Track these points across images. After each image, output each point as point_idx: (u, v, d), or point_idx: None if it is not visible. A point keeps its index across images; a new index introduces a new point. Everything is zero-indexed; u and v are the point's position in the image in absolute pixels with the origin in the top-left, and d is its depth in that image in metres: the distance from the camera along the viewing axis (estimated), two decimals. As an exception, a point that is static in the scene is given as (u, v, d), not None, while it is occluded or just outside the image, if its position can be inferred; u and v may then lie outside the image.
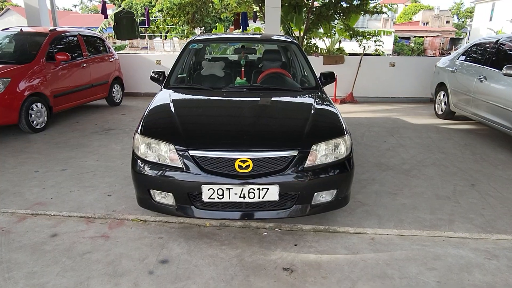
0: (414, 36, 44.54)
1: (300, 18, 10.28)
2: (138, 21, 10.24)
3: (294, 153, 2.57)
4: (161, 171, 2.60)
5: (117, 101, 7.95)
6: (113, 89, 7.78)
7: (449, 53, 38.15)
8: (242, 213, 2.60)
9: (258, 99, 3.34)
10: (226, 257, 2.65)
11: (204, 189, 2.50)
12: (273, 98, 3.39)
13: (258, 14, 9.35)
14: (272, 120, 3.01)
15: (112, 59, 7.77)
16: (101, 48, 7.59)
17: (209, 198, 2.53)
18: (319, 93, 3.54)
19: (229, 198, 2.52)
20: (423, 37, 44.06)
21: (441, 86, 7.12)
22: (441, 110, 7.10)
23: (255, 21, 9.86)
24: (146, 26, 9.55)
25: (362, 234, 2.98)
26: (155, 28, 9.34)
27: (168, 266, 2.55)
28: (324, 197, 2.69)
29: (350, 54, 10.84)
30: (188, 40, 4.22)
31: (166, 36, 40.37)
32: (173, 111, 2.97)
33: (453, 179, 4.03)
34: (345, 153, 2.75)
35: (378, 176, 4.09)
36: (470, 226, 3.06)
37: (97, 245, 2.77)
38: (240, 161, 2.50)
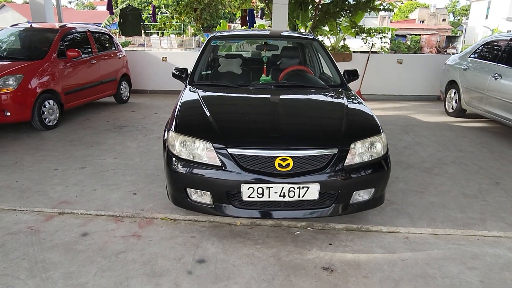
0: (411, 34, 44.64)
1: (306, 15, 10.24)
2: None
3: (334, 151, 2.54)
4: (198, 170, 2.56)
5: (124, 98, 7.87)
6: (121, 86, 7.70)
7: (446, 51, 38.32)
8: (281, 212, 2.56)
9: (288, 96, 3.31)
10: (263, 257, 2.62)
11: (244, 188, 2.46)
12: (302, 96, 3.35)
13: (265, 11, 9.30)
14: (307, 118, 2.98)
15: (120, 56, 7.69)
16: (110, 44, 7.50)
17: (249, 197, 2.49)
18: (347, 91, 3.51)
19: (269, 197, 2.49)
20: (419, 35, 44.18)
21: (452, 84, 7.12)
22: (452, 108, 7.10)
23: (262, 18, 9.81)
24: (153, 23, 9.44)
25: (396, 233, 2.96)
26: (162, 25, 9.24)
27: (206, 265, 2.51)
28: (362, 195, 2.67)
29: (354, 52, 10.83)
30: (210, 36, 4.17)
31: (163, 33, 40.14)
32: (206, 109, 2.92)
33: (477, 178, 4.02)
34: (383, 152, 2.73)
35: (401, 175, 4.08)
36: (503, 224, 3.05)
37: (130, 245, 2.73)
38: (280, 159, 2.46)
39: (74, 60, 6.12)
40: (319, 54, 4.30)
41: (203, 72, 3.93)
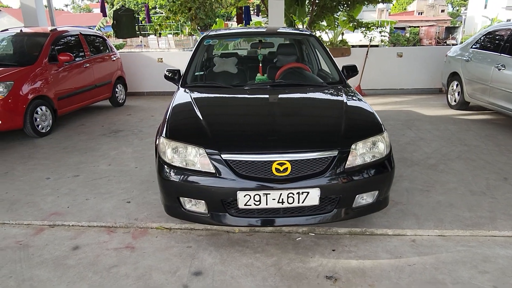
0: (409, 26, 44.32)
1: (303, 10, 10.06)
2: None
3: (334, 153, 2.40)
4: (191, 177, 2.42)
5: (120, 101, 7.73)
6: (116, 89, 7.56)
7: (445, 42, 38.10)
8: (281, 219, 2.42)
9: (284, 96, 3.16)
10: (263, 266, 2.49)
11: (240, 195, 2.32)
12: (299, 95, 3.21)
13: (261, 7, 9.13)
14: (305, 118, 2.83)
15: (114, 58, 7.55)
16: (103, 47, 7.36)
17: (245, 204, 2.35)
18: (346, 88, 3.36)
19: (267, 204, 2.35)
20: (418, 27, 43.85)
21: (454, 76, 6.95)
22: (455, 101, 6.93)
23: (258, 15, 9.65)
24: (147, 24, 9.27)
25: (402, 236, 2.82)
26: (157, 26, 9.07)
27: (203, 278, 2.38)
28: (365, 199, 2.53)
29: (353, 46, 10.66)
30: (202, 35, 4.02)
31: (160, 34, 39.98)
32: (198, 112, 2.78)
33: (483, 173, 3.87)
34: (385, 152, 2.58)
35: (405, 172, 3.93)
36: (514, 223, 2.91)
37: (123, 258, 2.60)
38: (277, 164, 2.32)
39: (67, 65, 5.98)
40: (316, 50, 4.15)
41: (196, 73, 3.78)
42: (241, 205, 2.36)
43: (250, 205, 2.35)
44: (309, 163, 2.36)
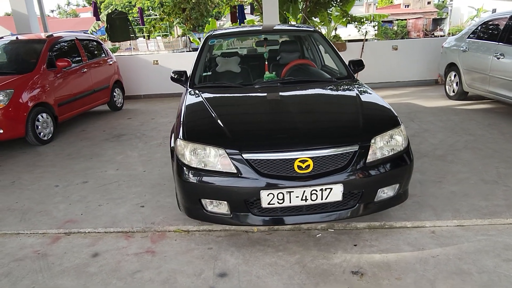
0: (397, 19, 44.54)
1: (296, 7, 10.08)
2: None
3: (354, 148, 2.40)
4: (213, 178, 2.40)
5: (119, 105, 7.66)
6: (114, 93, 7.49)
7: (433, 34, 38.33)
8: (304, 217, 2.41)
9: (297, 93, 3.15)
10: (287, 265, 2.48)
11: (263, 194, 2.31)
12: (312, 91, 3.20)
13: (255, 6, 9.11)
14: (322, 114, 2.83)
15: (111, 62, 7.48)
16: (99, 51, 7.29)
17: (269, 203, 2.34)
18: (356, 83, 3.36)
19: (290, 202, 2.34)
20: (405, 19, 44.10)
21: (451, 67, 7.00)
22: (453, 91, 6.98)
23: (252, 13, 9.63)
24: (141, 26, 9.15)
25: (421, 227, 2.83)
26: (151, 28, 8.93)
27: (229, 279, 2.36)
28: (386, 192, 2.53)
29: (348, 41, 10.69)
30: (207, 35, 3.99)
31: (149, 36, 39.76)
32: (213, 112, 2.76)
33: (492, 162, 3.90)
34: (404, 144, 2.59)
35: (415, 164, 3.90)
36: (531, 210, 2.93)
37: (145, 262, 2.57)
38: (299, 161, 2.31)
39: (65, 70, 5.91)
40: (319, 46, 4.14)
41: (203, 74, 3.76)
42: (264, 204, 2.34)
43: (274, 203, 2.34)
44: (330, 159, 2.36)
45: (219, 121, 2.63)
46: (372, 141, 2.46)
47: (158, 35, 39.39)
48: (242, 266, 2.49)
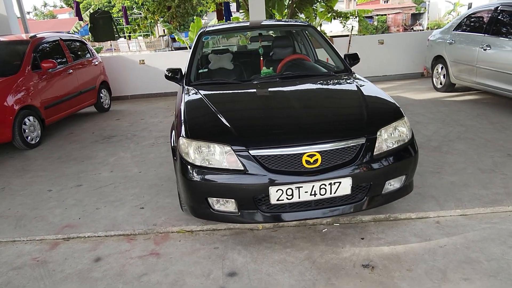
0: (377, 15, 45.06)
1: (282, 3, 10.06)
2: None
3: (361, 141, 2.38)
4: (219, 176, 2.35)
5: (106, 106, 7.50)
6: (101, 94, 7.33)
7: (412, 29, 38.95)
8: (313, 212, 2.39)
9: (298, 87, 3.12)
10: (296, 261, 2.45)
11: (272, 190, 2.28)
12: (312, 86, 3.17)
13: (240, 3, 9.05)
14: (326, 108, 2.81)
15: (97, 62, 7.32)
16: (84, 51, 7.11)
17: (278, 200, 2.31)
18: (355, 76, 3.36)
19: (299, 198, 2.31)
20: (385, 15, 44.67)
21: (438, 59, 7.09)
22: (441, 84, 7.08)
23: (238, 10, 9.56)
24: (126, 25, 9.02)
25: (425, 218, 2.84)
26: (136, 27, 8.81)
27: (239, 278, 2.32)
28: (392, 184, 2.53)
29: (334, 36, 10.73)
30: (200, 32, 3.91)
31: (130, 36, 39.19)
32: (214, 109, 2.70)
33: (486, 151, 3.96)
34: (409, 136, 2.59)
35: (412, 156, 3.97)
36: (530, 197, 2.98)
37: (150, 265, 2.51)
38: (307, 155, 2.28)
39: (50, 72, 5.74)
40: (310, 41, 4.11)
41: (200, 71, 3.69)
42: (273, 200, 2.31)
43: (283, 199, 2.30)
44: (338, 152, 2.34)
45: (222, 117, 2.58)
46: (378, 133, 2.45)
47: (139, 35, 38.83)
48: (251, 264, 2.45)
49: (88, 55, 7.15)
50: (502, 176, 3.37)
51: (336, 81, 3.25)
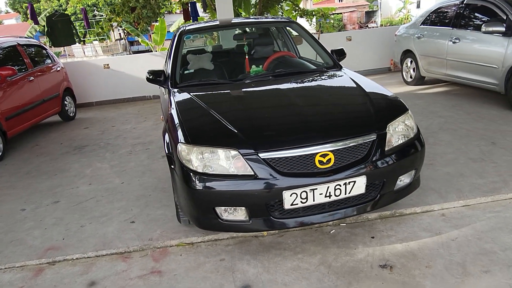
0: (333, 13, 46.07)
1: (248, 2, 9.94)
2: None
3: (372, 137, 2.30)
4: (227, 183, 2.18)
5: (71, 114, 7.05)
6: (66, 102, 6.88)
7: (367, 26, 40.15)
8: (328, 214, 2.27)
9: (294, 85, 2.99)
10: (311, 267, 2.33)
11: (286, 195, 2.13)
12: (310, 83, 3.06)
13: (207, 2, 8.83)
14: (331, 105, 2.70)
15: (59, 68, 6.85)
16: (44, 57, 6.63)
17: (292, 204, 2.17)
18: (347, 71, 3.29)
19: (314, 200, 2.19)
20: (341, 13, 45.80)
21: (407, 53, 7.24)
22: (411, 77, 7.23)
23: (205, 10, 9.32)
24: (87, 29, 8.49)
25: (430, 212, 2.82)
26: (100, 30, 8.32)
27: (254, 291, 2.16)
28: (403, 180, 2.46)
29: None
30: (179, 31, 3.69)
31: (84, 41, 37.64)
32: (212, 111, 2.52)
33: (471, 141, 4.03)
34: (415, 129, 2.54)
35: (401, 150, 3.97)
36: (526, 183, 3.03)
37: (153, 285, 2.30)
38: (320, 155, 2.16)
39: (9, 80, 5.28)
40: (302, 36, 4.00)
41: (185, 72, 3.48)
42: (287, 205, 2.17)
43: (297, 204, 2.17)
44: (351, 150, 2.24)
45: (223, 120, 2.40)
46: (387, 128, 2.38)
47: (94, 39, 37.31)
48: (264, 274, 2.30)
49: (49, 61, 6.68)
50: (493, 164, 3.42)
51: (331, 77, 3.16)
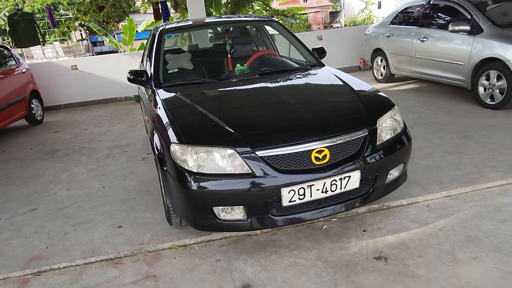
0: (299, 14, 46.70)
1: (219, 2, 9.88)
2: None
3: (365, 132, 2.35)
4: (225, 182, 2.16)
5: (38, 118, 6.75)
6: (32, 105, 6.58)
7: (332, 26, 41.05)
8: (325, 209, 2.31)
9: (282, 83, 3.00)
10: (308, 263, 2.36)
11: (284, 192, 2.15)
12: (297, 81, 3.10)
13: (178, 2, 8.70)
14: (321, 103, 2.73)
15: (24, 70, 6.54)
16: (7, 58, 6.31)
17: (290, 201, 2.18)
18: (329, 69, 3.35)
19: (311, 196, 2.21)
20: (306, 13, 46.51)
21: (377, 52, 7.46)
22: (381, 75, 7.46)
23: (176, 10, 9.18)
24: (52, 28, 8.10)
25: (415, 203, 2.92)
26: (66, 29, 7.96)
27: (255, 290, 2.16)
28: (392, 174, 2.54)
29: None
30: (159, 30, 3.61)
31: (44, 42, 36.05)
32: (203, 110, 2.49)
33: (445, 135, 4.21)
34: (402, 124, 2.63)
35: (381, 145, 4.08)
36: (500, 173, 3.20)
37: (150, 290, 2.24)
38: (316, 151, 2.19)
39: (-28, 83, 4.98)
40: (283, 35, 4.03)
41: (169, 71, 3.41)
42: (285, 202, 2.18)
43: (295, 200, 2.19)
44: (345, 146, 2.28)
45: (216, 118, 2.38)
46: (377, 123, 2.44)
47: (55, 40, 35.86)
48: (263, 273, 2.30)
49: (13, 62, 6.36)
50: (468, 156, 3.59)
51: (316, 75, 3.20)
